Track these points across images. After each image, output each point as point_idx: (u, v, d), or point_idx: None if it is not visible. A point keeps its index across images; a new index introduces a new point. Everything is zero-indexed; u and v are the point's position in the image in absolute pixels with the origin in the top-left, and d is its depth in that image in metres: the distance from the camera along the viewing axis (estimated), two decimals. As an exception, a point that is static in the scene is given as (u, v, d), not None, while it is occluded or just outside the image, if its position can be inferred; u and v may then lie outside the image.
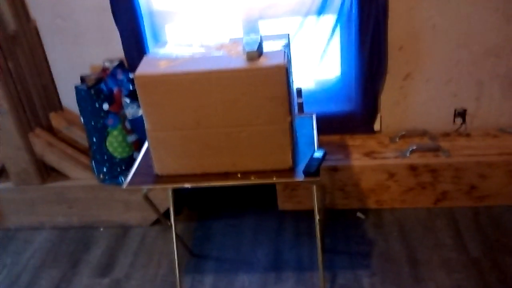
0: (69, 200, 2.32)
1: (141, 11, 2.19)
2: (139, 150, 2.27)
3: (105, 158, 2.21)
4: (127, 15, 2.17)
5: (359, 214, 2.24)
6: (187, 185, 1.55)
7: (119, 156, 2.22)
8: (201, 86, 1.44)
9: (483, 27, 2.07)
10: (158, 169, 1.60)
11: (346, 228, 2.17)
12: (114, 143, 2.19)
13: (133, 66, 2.29)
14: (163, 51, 1.59)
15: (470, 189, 2.15)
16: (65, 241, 2.32)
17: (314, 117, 1.84)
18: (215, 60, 1.48)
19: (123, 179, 2.24)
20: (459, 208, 2.20)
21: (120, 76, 2.23)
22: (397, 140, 2.29)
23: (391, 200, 2.24)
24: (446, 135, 2.30)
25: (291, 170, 1.55)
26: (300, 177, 1.52)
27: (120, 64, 2.26)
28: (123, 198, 2.29)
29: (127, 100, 2.13)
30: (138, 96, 1.47)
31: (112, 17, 2.19)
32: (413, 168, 2.14)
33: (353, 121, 2.34)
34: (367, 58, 2.16)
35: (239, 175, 1.56)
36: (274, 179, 1.53)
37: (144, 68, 1.48)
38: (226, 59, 1.48)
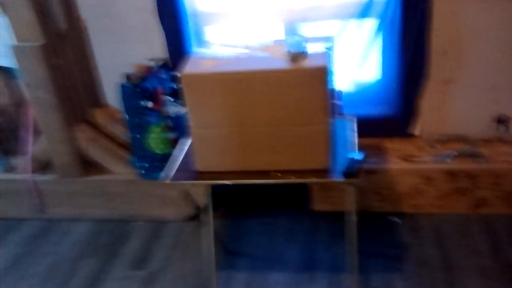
0: (109, 194, 2.39)
1: (186, 12, 2.24)
2: (178, 147, 2.34)
3: (146, 154, 2.27)
4: (172, 16, 2.24)
5: (395, 218, 2.23)
6: (228, 182, 1.59)
7: (160, 152, 2.27)
8: (245, 86, 1.47)
9: (528, 33, 2.04)
10: (199, 165, 1.64)
11: (381, 231, 2.17)
12: (156, 139, 2.25)
13: (176, 66, 2.34)
14: (208, 51, 1.63)
15: (509, 196, 2.12)
16: (103, 233, 2.39)
17: (354, 120, 1.86)
18: (259, 60, 1.52)
19: (162, 174, 2.30)
20: (498, 215, 2.17)
21: (164, 75, 2.29)
22: (436, 144, 2.28)
23: (427, 205, 2.22)
24: (486, 141, 2.27)
25: (329, 171, 1.57)
26: (339, 178, 1.54)
27: (164, 64, 2.32)
28: (161, 193, 2.35)
29: (170, 99, 2.19)
30: (183, 94, 1.51)
31: (157, 17, 2.25)
32: (451, 173, 2.12)
33: (392, 125, 2.34)
34: (409, 61, 2.16)
35: (279, 174, 1.59)
36: (314, 179, 1.55)
37: (190, 67, 1.52)
38: (270, 60, 1.51)
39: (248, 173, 1.61)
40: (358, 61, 2.24)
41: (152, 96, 2.19)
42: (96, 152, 2.35)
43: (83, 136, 2.32)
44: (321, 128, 1.50)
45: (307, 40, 1.60)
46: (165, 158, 2.27)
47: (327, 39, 1.65)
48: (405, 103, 2.27)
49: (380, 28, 2.16)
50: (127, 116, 2.24)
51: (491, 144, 2.25)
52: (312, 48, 1.55)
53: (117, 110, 2.49)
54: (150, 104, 2.19)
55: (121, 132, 2.44)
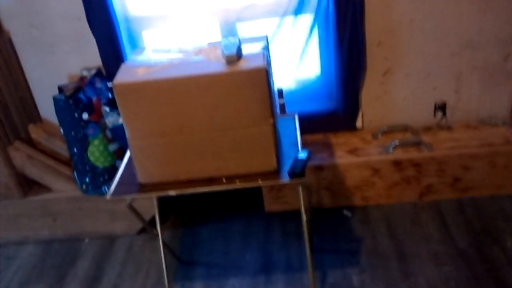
0: (52, 213, 2.28)
1: (117, 18, 2.16)
2: (121, 158, 2.25)
3: (87, 168, 2.18)
4: (103, 23, 2.14)
5: (345, 212, 2.24)
6: (172, 193, 1.53)
7: (101, 166, 2.19)
8: (181, 92, 1.42)
9: (459, 20, 2.09)
10: (141, 177, 1.58)
11: (334, 226, 2.17)
12: (96, 152, 2.16)
13: (111, 74, 2.25)
14: (140, 58, 1.57)
15: (454, 181, 2.17)
16: (50, 255, 2.27)
17: (296, 117, 1.84)
18: (194, 65, 1.47)
19: (106, 189, 2.22)
20: (444, 200, 2.22)
21: (99, 84, 2.21)
22: (380, 136, 2.30)
23: (377, 196, 2.24)
24: (427, 129, 2.32)
25: (276, 172, 1.55)
26: (285, 179, 1.51)
27: (98, 73, 2.23)
28: (108, 208, 2.26)
29: (107, 109, 2.11)
30: (117, 104, 1.44)
31: (87, 25, 2.15)
32: (397, 163, 2.15)
33: (335, 119, 2.34)
34: (346, 55, 2.16)
35: (224, 180, 1.55)
36: (260, 182, 1.52)
37: (122, 76, 1.45)
38: (205, 64, 1.46)
39: (193, 182, 1.56)
40: (297, 58, 2.22)
41: (88, 107, 2.10)
42: (34, 171, 2.24)
43: (18, 155, 2.20)
44: (267, 129, 1.46)
45: (242, 41, 1.56)
46: (107, 171, 2.19)
47: (261, 38, 1.62)
48: (346, 97, 2.27)
49: (315, 23, 2.16)
50: (63, 130, 2.14)
51: (432, 131, 2.30)
52: (247, 49, 1.51)
53: (54, 125, 2.39)
54: (86, 116, 2.10)
55: (60, 147, 2.33)
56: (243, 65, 1.41)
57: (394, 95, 2.28)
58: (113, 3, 2.12)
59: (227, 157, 1.52)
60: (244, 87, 1.40)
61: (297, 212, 2.25)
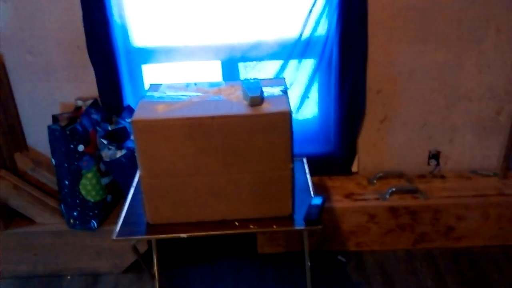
0: (34, 247, 2.16)
1: (118, 49, 2.12)
2: (112, 193, 2.17)
3: (77, 202, 2.08)
4: (104, 53, 2.10)
5: (340, 257, 2.22)
6: (183, 236, 1.47)
7: (92, 200, 2.10)
8: (202, 132, 1.39)
9: (457, 73, 2.16)
10: (150, 218, 1.51)
11: (328, 271, 2.14)
12: (88, 186, 2.07)
13: (107, 106, 2.20)
14: (158, 94, 1.53)
15: (447, 230, 2.19)
16: (28, 292, 2.14)
17: (305, 160, 1.83)
18: (216, 104, 1.44)
19: (95, 223, 2.12)
20: (437, 249, 2.23)
21: (95, 115, 2.14)
22: (375, 181, 2.31)
23: (371, 242, 2.24)
24: (421, 176, 2.35)
25: (290, 218, 1.51)
26: (300, 225, 1.48)
27: (94, 103, 2.17)
28: (94, 244, 2.16)
29: (104, 141, 2.03)
30: (134, 141, 1.39)
31: (86, 54, 2.10)
32: (393, 210, 2.16)
33: (331, 163, 2.34)
34: (347, 100, 2.18)
35: (236, 224, 1.50)
36: (275, 227, 1.48)
37: (141, 112, 1.41)
38: (227, 104, 1.44)
39: (205, 224, 1.51)
40: (297, 101, 2.23)
41: (84, 138, 2.02)
42: (18, 201, 2.12)
43: (4, 184, 2.08)
44: (286, 174, 1.44)
45: (262, 82, 1.55)
46: (97, 205, 2.10)
47: (280, 81, 1.61)
48: (344, 141, 2.28)
49: (318, 67, 2.17)
50: (55, 160, 2.04)
51: (426, 179, 2.33)
52: (267, 91, 1.50)
53: (42, 154, 2.29)
54: (82, 148, 2.02)
55: (47, 178, 2.23)
56: (267, 108, 1.39)
57: (390, 142, 2.31)
58: (116, 33, 2.08)
59: (242, 200, 1.48)
60: (267, 130, 1.39)
61: (290, 254, 2.23)
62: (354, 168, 2.36)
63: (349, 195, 2.23)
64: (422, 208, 2.15)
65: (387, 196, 2.19)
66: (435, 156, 2.35)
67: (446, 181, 2.31)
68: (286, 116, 1.37)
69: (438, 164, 2.35)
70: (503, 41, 2.09)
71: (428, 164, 2.36)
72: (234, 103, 1.44)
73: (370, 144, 2.32)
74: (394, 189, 2.20)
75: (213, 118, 1.38)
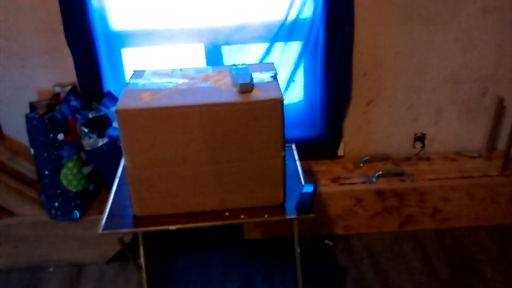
0: (14, 239, 2.09)
1: (97, 32, 2.04)
2: (94, 182, 2.11)
3: (58, 192, 2.02)
4: (82, 37, 2.02)
5: (327, 241, 2.21)
6: (172, 228, 1.43)
7: (74, 190, 2.04)
8: (190, 121, 1.34)
9: (443, 55, 2.14)
10: (137, 210, 1.47)
11: (316, 256, 2.13)
12: (69, 175, 2.01)
13: (87, 92, 2.13)
14: (142, 81, 1.47)
15: (433, 212, 2.20)
16: (9, 285, 2.08)
17: (294, 147, 1.79)
18: (204, 92, 1.39)
19: (77, 214, 2.06)
20: (423, 230, 2.24)
21: (74, 102, 2.06)
22: (361, 165, 2.30)
23: (357, 226, 2.23)
24: (407, 159, 2.35)
25: (282, 206, 1.49)
26: (292, 214, 1.46)
27: (73, 90, 2.09)
28: (77, 235, 2.11)
29: (85, 130, 1.97)
30: (119, 131, 1.33)
31: (63, 38, 2.01)
32: (380, 193, 2.15)
33: (317, 147, 2.32)
34: (333, 84, 2.15)
35: (227, 214, 1.47)
36: (266, 216, 1.45)
37: (126, 101, 1.35)
38: (216, 91, 1.39)
39: (194, 215, 1.47)
40: (283, 85, 2.19)
41: (64, 127, 1.95)
42: (-4, 193, 2.04)
43: (-21, 176, 2.01)
44: (277, 162, 1.41)
45: (251, 67, 1.50)
46: (79, 195, 2.05)
47: (269, 66, 1.57)
48: (330, 125, 2.26)
49: (304, 51, 2.13)
50: (34, 150, 1.97)
51: (411, 161, 2.33)
52: (257, 78, 1.46)
53: (19, 143, 2.21)
54: (61, 137, 1.95)
55: (25, 167, 2.15)
56: (258, 95, 1.35)
57: (376, 125, 2.30)
58: (94, 16, 2.00)
59: (232, 190, 1.45)
60: (258, 118, 1.35)
61: (277, 240, 2.21)
62: (340, 152, 2.35)
63: (335, 179, 2.22)
64: (409, 190, 2.15)
65: (374, 180, 2.18)
66: (420, 138, 2.35)
67: (432, 163, 2.31)
68: (277, 103, 1.33)
69: (423, 146, 2.35)
70: (488, 22, 2.08)
71: (414, 146, 2.36)
72: (223, 90, 1.39)
73: (356, 127, 2.30)
74: (380, 173, 2.20)
75: (201, 106, 1.33)
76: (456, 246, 2.15)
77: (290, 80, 2.16)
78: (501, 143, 2.31)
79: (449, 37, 2.10)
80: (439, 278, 2.00)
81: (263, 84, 1.41)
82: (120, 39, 2.13)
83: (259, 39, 2.09)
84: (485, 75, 2.19)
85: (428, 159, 2.34)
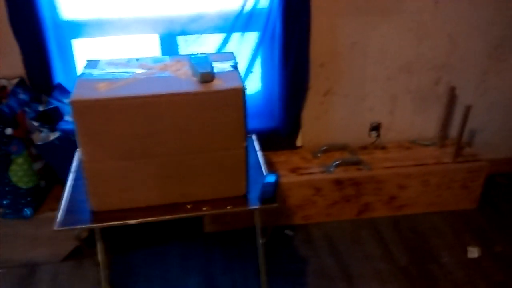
0: (-41, 241, 1.98)
1: (45, 22, 1.95)
2: (44, 178, 2.03)
3: (7, 189, 1.92)
4: (30, 27, 1.92)
5: (287, 232, 2.21)
6: (133, 222, 1.39)
7: (24, 186, 1.95)
8: (149, 112, 1.30)
9: (398, 45, 2.18)
10: (95, 205, 1.41)
11: (276, 246, 2.14)
12: (19, 172, 1.92)
13: (36, 85, 2.04)
14: (97, 71, 1.41)
15: (390, 199, 2.25)
16: (-45, 289, 1.97)
17: (254, 137, 1.78)
18: (163, 82, 1.35)
19: (28, 211, 1.98)
20: (380, 218, 2.29)
21: (22, 95, 1.97)
22: (319, 155, 2.32)
23: (316, 215, 2.25)
24: (363, 148, 2.38)
25: (244, 197, 1.47)
26: (255, 204, 1.44)
27: (20, 82, 1.99)
28: (28, 234, 2.02)
29: (36, 124, 1.88)
30: (74, 123, 1.27)
31: (9, 27, 1.91)
32: (338, 182, 2.17)
33: (275, 137, 2.31)
34: (291, 74, 2.15)
35: (188, 206, 1.44)
36: (229, 208, 1.43)
37: (80, 91, 1.29)
38: (175, 81, 1.35)
39: (154, 209, 1.43)
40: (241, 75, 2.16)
41: (12, 121, 1.86)
42: None
43: None
44: (239, 152, 1.39)
45: (210, 57, 1.47)
46: (30, 192, 1.96)
47: (228, 55, 1.54)
48: (288, 115, 2.26)
49: (261, 41, 2.12)
50: (-20, 146, 1.87)
51: (368, 150, 2.37)
52: (217, 67, 1.43)
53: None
54: (9, 131, 1.86)
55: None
56: (219, 84, 1.32)
57: (333, 115, 2.32)
58: (42, 4, 1.91)
59: (193, 182, 1.42)
60: (220, 108, 1.32)
61: (237, 232, 2.20)
62: (299, 142, 2.36)
63: (294, 170, 2.23)
64: (366, 179, 2.18)
65: (332, 169, 2.20)
66: (376, 127, 2.38)
67: (387, 151, 2.35)
68: (239, 93, 1.31)
69: (379, 135, 2.39)
70: (440, 12, 2.13)
71: (370, 135, 2.39)
72: (183, 80, 1.35)
73: (314, 117, 2.31)
74: (338, 162, 2.22)
75: (161, 96, 1.29)
76: (412, 232, 2.21)
77: (248, 71, 2.14)
78: (453, 131, 2.38)
79: (404, 27, 2.13)
80: (397, 264, 2.04)
81: (223, 74, 1.38)
82: (70, 29, 2.04)
83: (216, 29, 2.06)
84: (438, 64, 2.24)
85: (383, 147, 2.38)
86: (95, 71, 1.41)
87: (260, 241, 1.67)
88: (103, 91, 1.29)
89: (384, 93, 2.29)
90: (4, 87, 1.98)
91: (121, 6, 1.99)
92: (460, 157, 2.28)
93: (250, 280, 1.97)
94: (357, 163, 2.24)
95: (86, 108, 1.26)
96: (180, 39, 2.11)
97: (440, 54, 2.22)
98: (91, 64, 1.47)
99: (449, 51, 2.22)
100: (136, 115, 1.29)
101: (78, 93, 1.28)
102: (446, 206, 2.30)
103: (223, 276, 2.01)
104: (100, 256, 1.61)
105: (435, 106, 2.35)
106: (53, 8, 1.97)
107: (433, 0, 2.10)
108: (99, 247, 1.60)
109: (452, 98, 2.29)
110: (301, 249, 2.13)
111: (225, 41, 2.07)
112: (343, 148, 2.35)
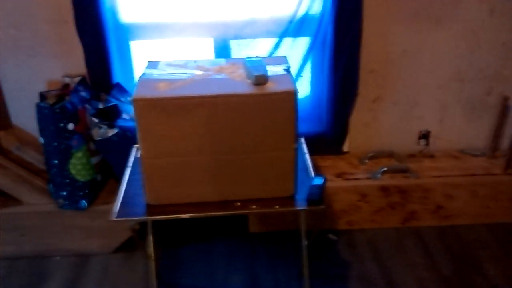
0: (21, 227, 2.11)
1: (107, 24, 2.05)
2: (101, 172, 2.13)
3: (67, 181, 2.03)
4: (93, 28, 2.03)
5: (331, 236, 2.23)
6: (185, 216, 1.45)
7: (82, 179, 2.05)
8: (206, 111, 1.36)
9: (449, 54, 2.17)
10: (150, 198, 1.49)
11: (320, 250, 2.16)
12: (78, 165, 2.02)
13: (96, 83, 2.15)
14: (157, 71, 1.49)
15: (436, 208, 2.23)
16: (15, 273, 2.09)
17: (303, 141, 1.82)
18: (219, 83, 1.41)
19: (84, 203, 2.08)
20: (425, 227, 2.27)
21: (83, 93, 2.08)
22: (366, 161, 2.33)
23: (361, 221, 2.26)
24: (411, 156, 2.37)
25: (292, 198, 1.51)
26: (302, 205, 1.48)
27: (82, 81, 2.11)
28: (84, 225, 2.12)
29: (95, 120, 1.98)
30: (136, 120, 1.35)
31: (74, 29, 2.03)
32: (384, 189, 2.18)
33: (323, 142, 2.34)
34: (340, 80, 2.17)
35: (238, 204, 1.49)
36: (277, 207, 1.48)
37: (142, 90, 1.37)
38: (231, 83, 1.41)
39: (206, 205, 1.49)
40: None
41: (74, 117, 1.97)
42: (5, 181, 2.06)
43: (-13, 163, 2.02)
44: (289, 154, 1.43)
45: (264, 60, 1.52)
46: (87, 185, 2.06)
47: (282, 59, 1.59)
48: (336, 121, 2.28)
49: (312, 46, 2.15)
50: (43, 139, 1.98)
51: (416, 158, 2.36)
52: (271, 70, 1.48)
53: (27, 132, 2.22)
54: (71, 126, 1.97)
55: (33, 157, 2.16)
56: (272, 87, 1.37)
57: (381, 122, 2.32)
58: (104, 8, 2.01)
59: (244, 181, 1.47)
60: (272, 109, 1.37)
61: (282, 233, 2.24)
62: (345, 148, 2.37)
63: (340, 175, 2.25)
64: (412, 187, 2.18)
65: (379, 176, 2.20)
66: (425, 135, 2.37)
67: (436, 160, 2.34)
68: (291, 95, 1.35)
69: (427, 143, 2.38)
70: (495, 22, 2.11)
71: (418, 143, 2.38)
72: (238, 81, 1.41)
73: (362, 123, 2.33)
74: (385, 169, 2.22)
75: (217, 97, 1.35)
76: (458, 243, 2.18)
77: (298, 75, 2.19)
78: (505, 142, 2.34)
79: (457, 36, 2.12)
80: (440, 274, 2.02)
81: (277, 77, 1.43)
82: (129, 32, 2.14)
83: (268, 34, 2.11)
84: (491, 74, 2.22)
85: (432, 156, 2.36)
86: (155, 72, 1.49)
87: (305, 243, 1.70)
88: (163, 91, 1.36)
89: (434, 102, 2.28)
90: (67, 85, 2.10)
91: (177, 11, 2.08)
92: (510, 169, 2.24)
93: (292, 282, 2.01)
94: (404, 171, 2.24)
95: (146, 106, 1.34)
96: (233, 43, 2.17)
97: (493, 64, 2.19)
98: (152, 65, 1.55)
99: (503, 60, 2.19)
100: (193, 114, 1.35)
101: (139, 92, 1.36)
102: (494, 218, 2.26)
103: (266, 275, 2.05)
104: (151, 248, 1.68)
105: (486, 116, 2.32)
106: (114, 12, 2.07)
107: (489, 9, 2.08)
108: (151, 239, 1.67)
109: (504, 108, 2.25)
110: (344, 254, 2.14)
111: (277, 46, 2.12)
112: (390, 155, 2.35)
